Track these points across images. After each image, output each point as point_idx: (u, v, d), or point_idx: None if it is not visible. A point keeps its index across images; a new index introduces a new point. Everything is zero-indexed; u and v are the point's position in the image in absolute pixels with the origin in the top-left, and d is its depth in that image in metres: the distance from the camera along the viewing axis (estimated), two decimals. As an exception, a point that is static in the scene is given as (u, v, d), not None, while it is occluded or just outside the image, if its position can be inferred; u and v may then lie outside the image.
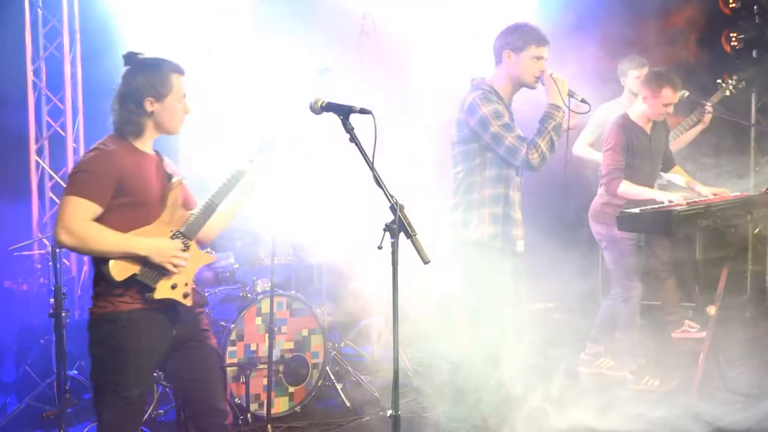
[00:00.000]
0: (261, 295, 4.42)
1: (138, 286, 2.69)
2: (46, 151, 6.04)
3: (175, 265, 2.73)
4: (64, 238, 2.59)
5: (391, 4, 5.67)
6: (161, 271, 2.72)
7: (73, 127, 6.07)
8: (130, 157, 2.75)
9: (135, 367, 2.73)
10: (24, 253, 4.93)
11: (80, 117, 6.12)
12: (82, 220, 2.60)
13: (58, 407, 4.04)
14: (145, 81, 2.75)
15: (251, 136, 3.14)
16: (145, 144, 2.84)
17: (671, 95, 4.60)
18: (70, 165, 6.05)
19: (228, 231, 5.06)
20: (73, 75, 6.05)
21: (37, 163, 5.98)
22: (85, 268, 6.15)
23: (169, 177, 2.89)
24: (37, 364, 4.59)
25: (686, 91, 5.11)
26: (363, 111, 2.56)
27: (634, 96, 5.16)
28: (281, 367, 4.40)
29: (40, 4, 5.89)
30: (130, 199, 2.70)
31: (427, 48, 5.73)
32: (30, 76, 5.83)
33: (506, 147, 3.35)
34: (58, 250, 4.09)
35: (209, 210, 2.88)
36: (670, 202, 4.38)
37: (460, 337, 3.65)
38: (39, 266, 5.40)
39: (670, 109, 4.68)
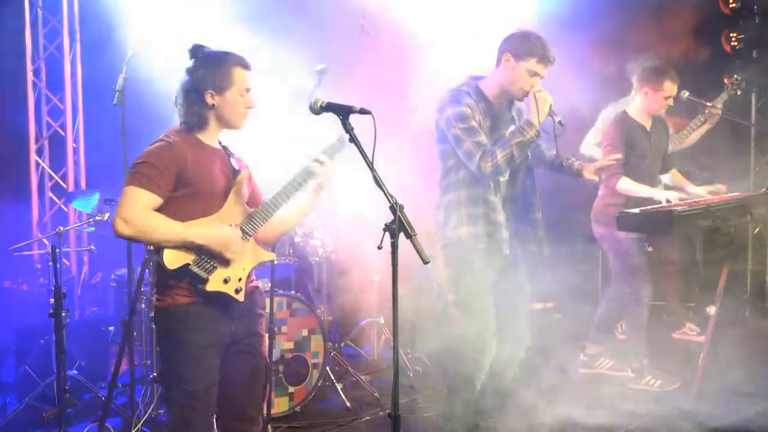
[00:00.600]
0: (261, 295, 4.42)
1: (191, 277, 2.66)
2: (46, 151, 6.04)
3: (233, 252, 2.70)
4: (122, 228, 2.58)
5: (391, 4, 5.67)
6: (215, 264, 2.69)
7: (73, 127, 6.07)
8: (192, 149, 2.73)
9: (196, 361, 2.71)
10: (24, 253, 4.93)
11: (80, 117, 6.12)
12: (140, 210, 2.60)
13: (58, 407, 4.03)
14: (207, 74, 2.74)
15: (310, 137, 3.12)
16: (211, 138, 2.83)
17: (672, 87, 4.65)
18: (71, 165, 6.06)
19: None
20: (73, 75, 6.05)
21: (37, 163, 5.98)
22: (85, 268, 6.15)
23: (236, 172, 2.86)
24: (37, 364, 4.59)
25: (686, 91, 5.11)
26: (363, 111, 2.56)
27: None
28: (281, 367, 4.40)
29: (40, 4, 5.89)
30: (191, 189, 2.69)
31: (427, 48, 5.73)
32: (30, 76, 5.83)
33: (463, 150, 3.34)
34: (58, 250, 4.09)
35: (271, 208, 2.85)
36: (668, 201, 4.38)
37: (450, 337, 3.67)
38: (39, 266, 5.40)
39: (671, 102, 4.71)
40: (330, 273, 5.42)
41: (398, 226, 2.42)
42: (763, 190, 4.75)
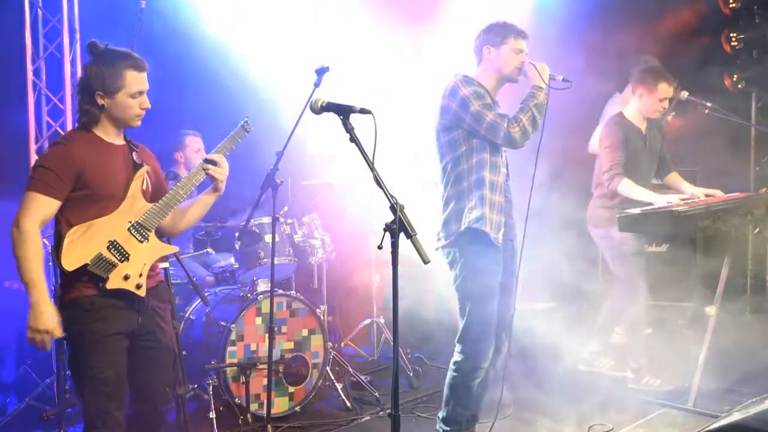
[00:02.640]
0: (261, 295, 4.42)
1: (90, 276, 2.74)
2: (46, 152, 6.04)
3: (37, 341, 2.72)
4: (14, 234, 2.69)
5: (391, 4, 5.68)
6: (113, 262, 2.77)
7: (73, 127, 6.06)
8: (92, 150, 2.79)
9: (104, 348, 2.78)
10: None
11: (80, 117, 6.11)
12: (35, 223, 2.69)
13: (58, 407, 4.04)
14: (98, 75, 2.77)
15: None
16: (110, 134, 2.87)
17: (667, 89, 4.63)
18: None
19: (228, 231, 5.09)
20: (73, 75, 6.04)
21: (37, 163, 5.98)
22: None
23: (137, 166, 2.91)
24: (37, 364, 4.60)
25: (686, 92, 5.11)
26: (363, 111, 2.56)
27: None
28: (281, 367, 4.40)
29: (40, 4, 5.88)
30: (88, 192, 2.75)
31: (427, 47, 5.73)
32: (30, 76, 5.82)
33: (487, 124, 3.36)
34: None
35: (170, 202, 2.91)
36: (668, 203, 4.38)
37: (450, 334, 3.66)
38: (39, 266, 5.39)
39: (666, 104, 4.70)
40: (330, 273, 5.42)
41: (398, 226, 2.42)
42: (763, 190, 4.76)
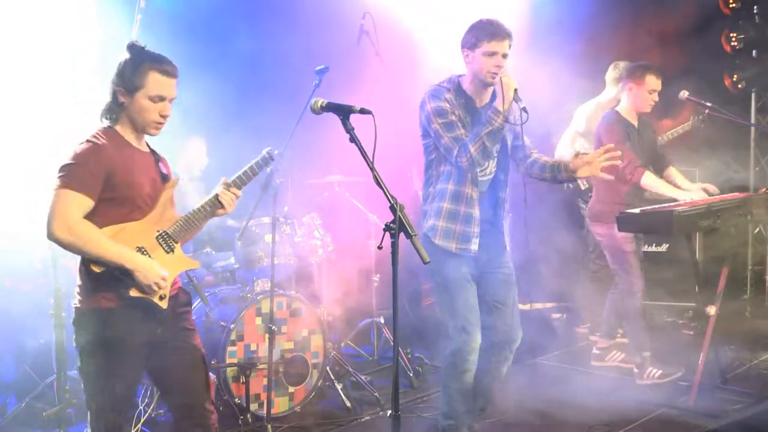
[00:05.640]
0: (261, 295, 4.42)
1: (115, 281, 2.66)
2: (47, 151, 6.04)
3: (155, 289, 2.70)
4: (62, 233, 2.57)
5: (391, 4, 5.67)
6: None
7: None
8: (120, 152, 2.72)
9: (119, 360, 2.70)
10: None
11: (80, 117, 6.11)
12: (79, 216, 2.59)
13: (58, 407, 4.04)
14: (123, 71, 2.72)
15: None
16: (130, 137, 2.80)
17: (655, 81, 4.68)
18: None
19: (228, 231, 5.08)
20: (74, 75, 6.04)
21: (37, 163, 5.98)
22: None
23: (165, 177, 2.89)
24: (37, 364, 4.59)
25: (686, 91, 5.13)
26: (363, 111, 2.57)
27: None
28: (281, 367, 4.40)
29: (42, 4, 5.89)
30: (115, 194, 2.68)
31: (427, 47, 5.73)
32: (31, 76, 5.82)
33: (443, 145, 3.42)
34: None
35: (195, 220, 2.89)
36: (692, 200, 4.43)
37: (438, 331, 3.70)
38: (39, 266, 5.38)
39: (656, 97, 4.73)
40: (330, 273, 5.42)
41: (398, 226, 2.42)
42: (763, 189, 4.76)
